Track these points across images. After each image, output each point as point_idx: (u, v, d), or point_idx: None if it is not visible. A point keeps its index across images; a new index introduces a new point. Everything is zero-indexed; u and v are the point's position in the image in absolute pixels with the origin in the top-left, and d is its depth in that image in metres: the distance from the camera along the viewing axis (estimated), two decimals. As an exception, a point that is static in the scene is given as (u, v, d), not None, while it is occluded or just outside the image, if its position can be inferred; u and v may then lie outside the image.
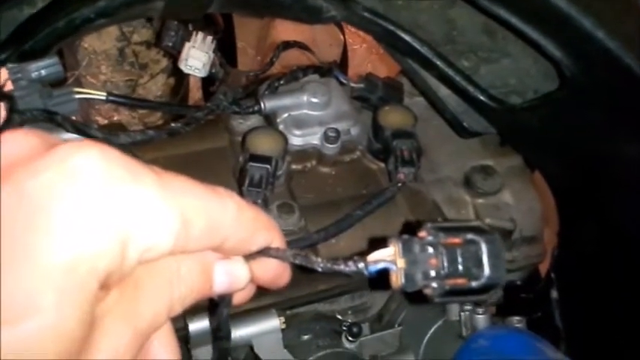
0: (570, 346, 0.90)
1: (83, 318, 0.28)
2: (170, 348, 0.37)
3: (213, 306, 0.42)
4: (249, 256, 0.37)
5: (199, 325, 0.72)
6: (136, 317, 0.31)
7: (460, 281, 0.35)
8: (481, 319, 0.80)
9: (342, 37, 1.62)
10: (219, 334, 0.46)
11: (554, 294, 0.91)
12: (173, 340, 0.38)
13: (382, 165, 0.87)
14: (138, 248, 0.30)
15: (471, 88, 0.77)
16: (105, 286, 0.29)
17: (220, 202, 0.33)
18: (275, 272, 0.39)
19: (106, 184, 0.29)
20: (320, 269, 0.36)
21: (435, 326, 0.83)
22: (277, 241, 0.37)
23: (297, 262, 0.37)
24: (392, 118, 0.86)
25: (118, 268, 0.29)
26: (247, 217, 0.35)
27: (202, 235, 0.32)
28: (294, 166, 0.85)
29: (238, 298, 0.41)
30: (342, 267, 0.35)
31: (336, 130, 0.85)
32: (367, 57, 1.84)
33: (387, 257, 0.35)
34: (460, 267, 0.34)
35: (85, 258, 0.28)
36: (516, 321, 0.84)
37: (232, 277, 0.37)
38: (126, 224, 0.29)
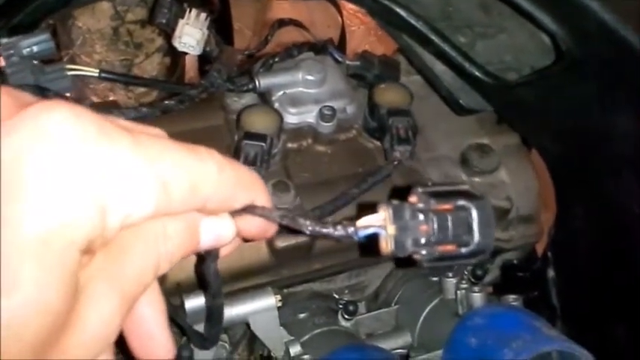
0: (566, 325, 0.90)
1: (65, 290, 0.27)
2: (156, 304, 0.37)
3: (200, 259, 0.41)
4: (234, 213, 0.36)
5: (195, 302, 0.73)
6: (123, 280, 0.31)
7: (450, 247, 0.35)
8: (477, 298, 0.80)
9: (339, 18, 1.61)
10: (210, 291, 0.45)
11: (551, 273, 0.91)
12: (159, 297, 0.37)
13: (378, 143, 0.86)
14: (118, 214, 0.29)
15: (467, 65, 0.76)
16: (89, 251, 0.28)
17: (201, 162, 0.32)
18: (260, 227, 0.38)
19: (80, 147, 0.27)
20: (308, 232, 0.35)
21: (431, 305, 0.83)
22: (261, 197, 0.36)
23: (284, 223, 0.36)
24: (388, 96, 0.85)
25: (99, 235, 0.28)
26: (229, 176, 0.34)
27: (184, 197, 0.31)
28: (289, 145, 0.84)
29: (225, 251, 0.40)
30: (330, 230, 0.35)
31: (332, 109, 0.85)
32: (365, 38, 1.83)
33: (377, 222, 0.34)
34: (450, 233, 0.34)
35: (62, 228, 0.26)
36: (512, 299, 0.84)
37: (219, 234, 0.36)
38: (103, 190, 0.28)
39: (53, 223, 0.26)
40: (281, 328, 0.77)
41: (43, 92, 0.70)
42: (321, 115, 0.84)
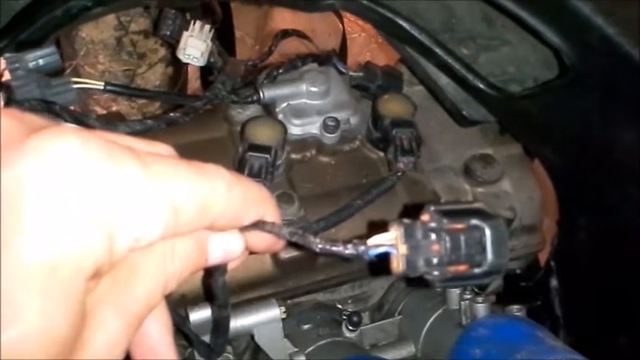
0: (570, 335, 0.90)
1: (71, 318, 0.27)
2: (162, 319, 0.37)
3: (208, 273, 0.41)
4: (243, 228, 0.36)
5: (200, 314, 0.73)
6: (129, 304, 0.30)
7: (462, 268, 0.34)
8: (481, 308, 0.80)
9: (341, 26, 1.61)
10: (217, 303, 0.45)
11: (554, 282, 0.91)
12: (165, 311, 0.37)
13: (382, 154, 0.87)
14: (126, 239, 0.28)
15: (470, 77, 0.77)
16: (96, 275, 0.28)
17: (209, 182, 0.32)
18: (269, 242, 0.38)
19: (87, 174, 0.27)
20: (318, 250, 0.34)
21: (435, 315, 0.83)
22: (270, 213, 0.36)
23: (294, 240, 0.35)
24: (391, 107, 0.85)
25: (107, 261, 0.28)
26: (238, 194, 0.33)
27: (193, 218, 0.31)
28: (293, 156, 0.85)
29: (232, 265, 0.40)
30: (340, 249, 0.34)
31: (336, 120, 0.85)
32: (366, 46, 1.83)
33: (388, 241, 0.34)
34: (463, 254, 0.34)
35: (69, 256, 0.26)
36: (516, 309, 0.84)
37: (227, 250, 0.36)
38: (111, 215, 0.27)
39: (59, 252, 0.26)
40: (285, 339, 0.77)
41: (49, 106, 0.70)
42: (325, 127, 0.85)
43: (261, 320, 0.75)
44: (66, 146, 0.27)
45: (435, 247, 0.34)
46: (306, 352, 0.77)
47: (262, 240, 0.38)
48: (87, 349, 0.28)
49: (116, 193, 0.28)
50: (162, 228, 0.30)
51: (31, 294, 0.25)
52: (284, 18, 1.64)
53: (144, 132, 0.77)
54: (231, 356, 0.80)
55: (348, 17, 1.67)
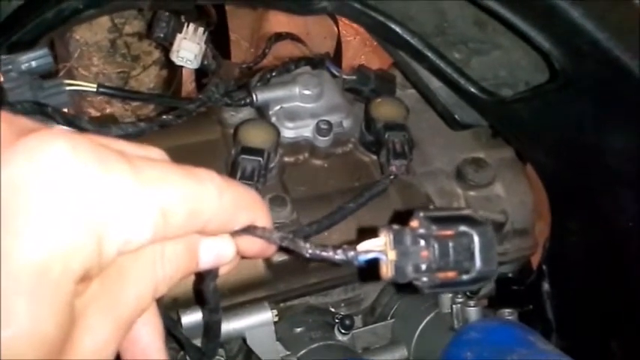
0: (561, 338, 0.90)
1: (60, 320, 0.27)
2: (152, 323, 0.37)
3: (199, 277, 0.41)
4: (234, 233, 0.36)
5: (192, 318, 0.72)
6: (119, 307, 0.31)
7: (451, 274, 0.34)
8: (473, 312, 0.80)
9: (335, 29, 1.62)
10: (208, 307, 0.45)
11: (546, 286, 0.91)
12: (156, 316, 0.37)
13: (374, 157, 0.87)
14: (115, 242, 0.28)
15: (462, 80, 0.77)
16: (85, 278, 0.28)
17: (200, 187, 0.32)
18: (260, 247, 0.38)
19: (76, 178, 0.27)
20: (308, 255, 0.35)
21: (427, 319, 0.83)
22: (262, 217, 0.36)
23: (284, 244, 0.36)
24: (384, 110, 0.86)
25: (95, 264, 0.28)
26: (229, 198, 0.34)
27: (183, 222, 0.31)
28: (286, 159, 0.85)
29: (224, 270, 0.40)
30: (330, 254, 0.34)
31: (329, 123, 0.85)
32: (361, 49, 1.83)
33: (378, 247, 0.34)
34: (451, 260, 0.34)
35: (57, 258, 0.26)
36: (508, 313, 0.84)
37: (218, 254, 0.36)
38: (100, 219, 0.28)
39: (48, 255, 0.26)
40: (277, 342, 0.77)
41: (41, 108, 0.70)
42: (318, 130, 0.85)
43: (253, 323, 0.75)
44: (55, 149, 0.27)
45: (424, 253, 0.34)
46: (299, 355, 0.77)
47: (253, 245, 0.38)
48: (75, 351, 0.28)
49: (105, 196, 0.28)
50: (151, 231, 0.30)
51: (21, 295, 0.25)
52: (279, 21, 1.64)
53: (137, 135, 0.77)
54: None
55: (344, 20, 1.67)
